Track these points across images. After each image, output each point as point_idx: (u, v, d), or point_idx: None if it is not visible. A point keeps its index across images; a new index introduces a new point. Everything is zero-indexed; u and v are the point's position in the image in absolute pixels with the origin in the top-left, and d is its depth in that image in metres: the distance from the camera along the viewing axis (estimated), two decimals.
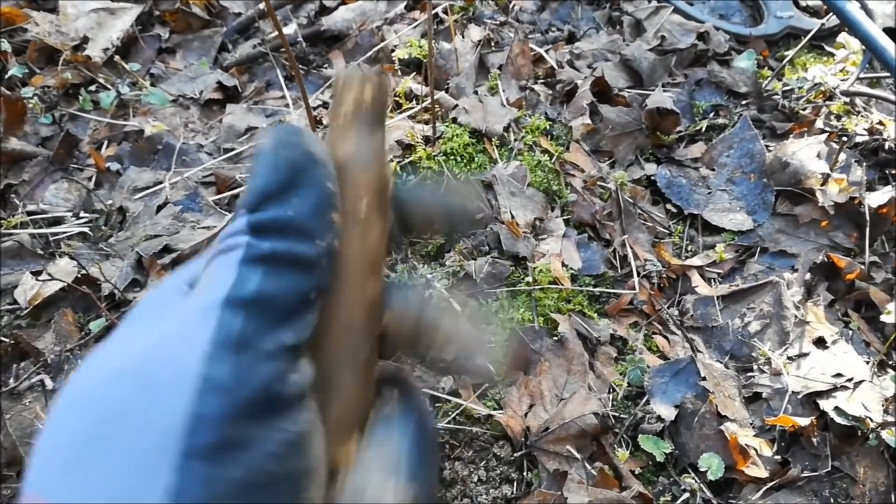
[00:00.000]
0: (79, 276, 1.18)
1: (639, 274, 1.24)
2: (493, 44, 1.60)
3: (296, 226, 0.27)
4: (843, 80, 1.47)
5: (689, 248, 1.32)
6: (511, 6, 1.73)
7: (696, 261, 1.28)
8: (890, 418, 1.03)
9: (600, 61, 1.58)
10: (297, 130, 0.29)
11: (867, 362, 1.12)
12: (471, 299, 1.16)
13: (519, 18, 1.72)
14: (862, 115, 1.46)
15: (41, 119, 1.47)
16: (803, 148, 1.36)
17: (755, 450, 1.03)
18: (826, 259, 1.24)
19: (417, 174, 1.31)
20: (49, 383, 1.07)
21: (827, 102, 1.47)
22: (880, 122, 1.44)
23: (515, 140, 1.39)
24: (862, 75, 1.46)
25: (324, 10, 1.75)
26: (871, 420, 1.02)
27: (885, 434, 1.01)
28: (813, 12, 1.71)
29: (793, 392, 1.08)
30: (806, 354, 1.13)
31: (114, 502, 0.21)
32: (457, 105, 1.43)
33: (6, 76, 1.50)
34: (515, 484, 1.02)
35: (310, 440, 0.25)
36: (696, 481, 1.02)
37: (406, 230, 0.35)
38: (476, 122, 1.39)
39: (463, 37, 1.60)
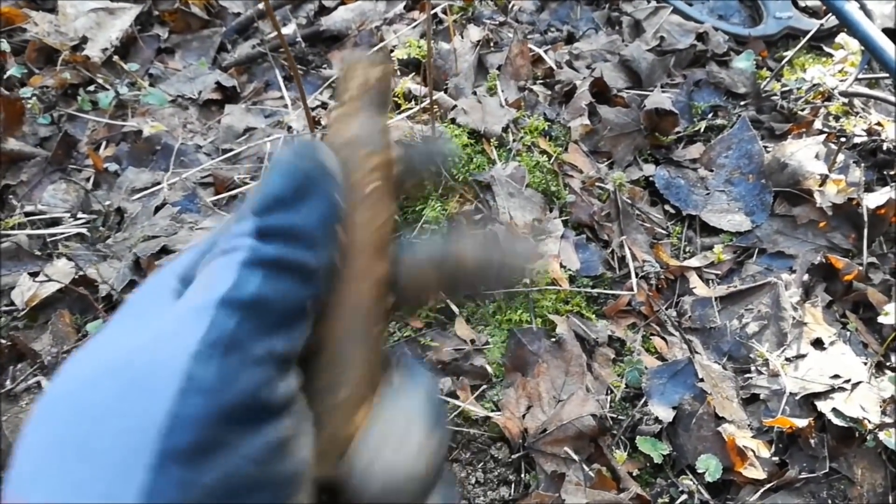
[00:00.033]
0: (76, 277, 1.18)
1: (637, 275, 1.24)
2: (491, 44, 1.60)
3: (302, 234, 0.27)
4: (841, 81, 1.47)
5: (688, 249, 1.32)
6: (510, 6, 1.73)
7: (694, 262, 1.28)
8: (887, 419, 1.03)
9: (599, 62, 1.58)
10: (314, 145, 0.29)
11: (865, 363, 1.12)
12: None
13: (518, 19, 1.72)
14: (860, 116, 1.46)
15: (39, 119, 1.47)
16: (802, 149, 1.36)
17: (753, 451, 1.03)
18: (824, 260, 1.24)
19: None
20: (45, 385, 1.07)
21: (825, 103, 1.47)
22: (879, 123, 1.44)
23: (514, 141, 1.39)
24: (860, 76, 1.46)
25: (323, 11, 1.75)
26: (869, 421, 1.02)
27: (882, 435, 1.01)
28: (812, 13, 1.71)
29: (790, 393, 1.08)
30: (804, 356, 1.13)
31: (89, 502, 0.21)
32: (455, 105, 1.43)
33: (5, 76, 1.50)
34: (513, 486, 1.02)
35: (295, 444, 0.25)
36: (693, 483, 1.02)
37: (403, 299, 0.33)
38: (475, 122, 1.39)
39: (462, 37, 1.60)
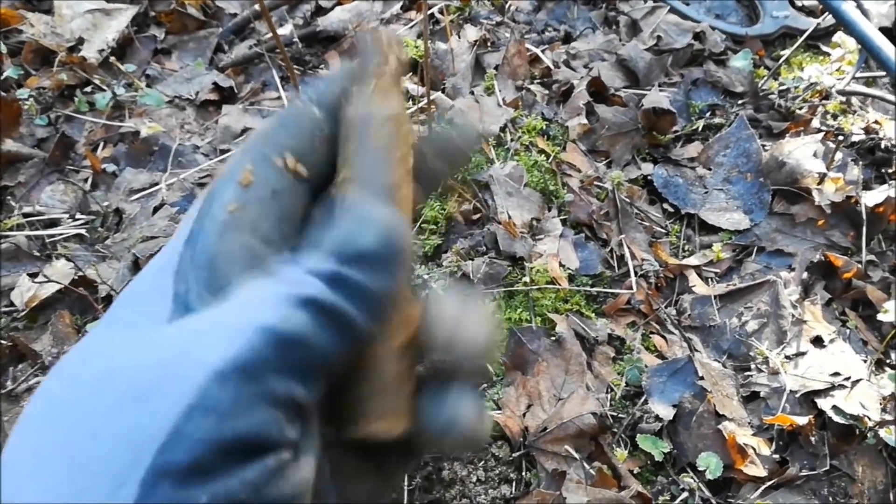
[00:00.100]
0: (75, 277, 1.18)
1: (636, 273, 1.24)
2: (489, 44, 1.60)
3: (368, 298, 0.26)
4: (839, 80, 1.47)
5: (686, 247, 1.32)
6: (507, 6, 1.73)
7: (693, 260, 1.28)
8: (888, 417, 1.03)
9: (596, 61, 1.58)
10: (398, 219, 0.29)
11: (865, 361, 1.12)
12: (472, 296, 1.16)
13: (515, 18, 1.72)
14: (858, 115, 1.47)
15: (37, 120, 1.47)
16: (800, 147, 1.36)
17: (753, 449, 1.03)
18: (823, 258, 1.24)
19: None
20: (41, 383, 1.07)
21: (823, 102, 1.47)
22: (876, 122, 1.44)
23: (512, 140, 1.40)
24: (858, 74, 1.46)
25: (320, 11, 1.75)
26: (869, 419, 1.02)
27: (882, 433, 1.01)
28: (809, 12, 1.71)
29: (791, 391, 1.08)
30: (803, 353, 1.13)
31: None
32: (453, 105, 1.43)
33: (2, 77, 1.50)
34: (514, 484, 1.02)
35: (296, 467, 0.24)
36: (694, 480, 1.02)
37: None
38: (473, 122, 1.39)
39: (459, 37, 1.60)
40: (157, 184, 1.37)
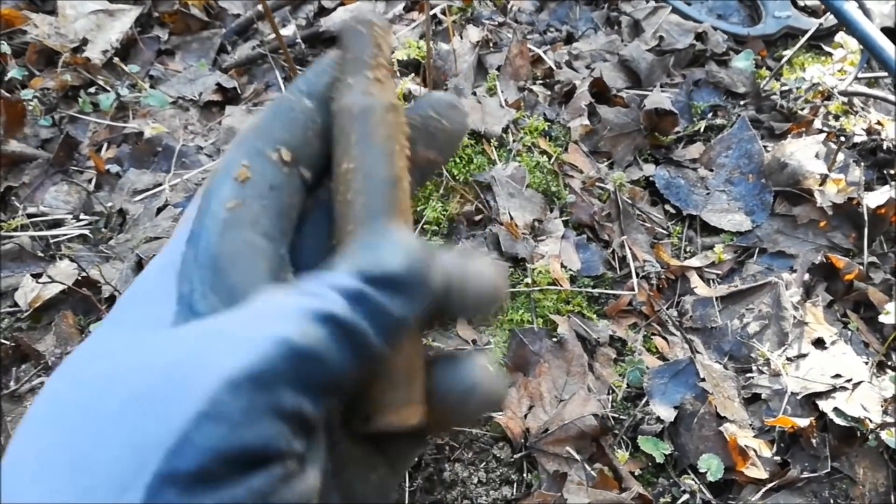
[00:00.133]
0: (79, 278, 1.18)
1: (638, 275, 1.24)
2: (491, 45, 1.60)
3: (388, 322, 0.26)
4: (841, 80, 1.47)
5: (688, 248, 1.32)
6: (509, 7, 1.73)
7: (694, 262, 1.28)
8: (889, 419, 1.03)
9: (598, 62, 1.58)
10: (428, 249, 0.29)
11: (866, 363, 1.12)
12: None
13: (517, 19, 1.72)
14: (860, 115, 1.47)
15: (41, 121, 1.47)
16: (801, 148, 1.36)
17: (755, 451, 1.03)
18: (825, 259, 1.24)
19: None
20: (45, 384, 1.07)
21: (825, 102, 1.47)
22: (878, 122, 1.44)
23: (514, 141, 1.40)
24: (860, 75, 1.46)
25: (322, 12, 1.75)
26: (871, 421, 1.03)
27: (884, 435, 1.01)
28: (811, 12, 1.71)
29: (792, 393, 1.08)
30: (805, 355, 1.14)
31: None
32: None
33: (6, 78, 1.50)
34: (515, 485, 1.03)
35: (302, 478, 0.24)
36: (695, 482, 1.02)
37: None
38: (475, 123, 1.39)
39: (461, 38, 1.60)
40: (160, 184, 1.38)
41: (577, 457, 1.02)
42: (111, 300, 1.18)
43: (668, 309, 1.23)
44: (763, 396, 1.09)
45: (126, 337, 0.26)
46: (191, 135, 1.50)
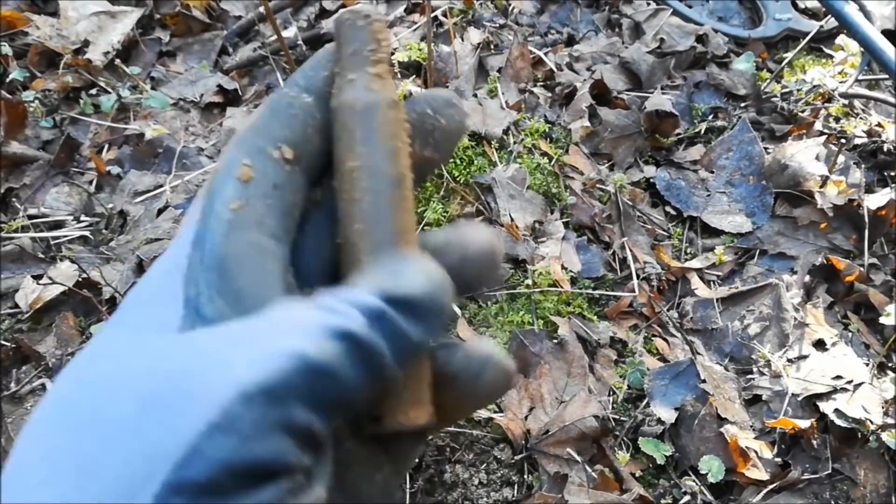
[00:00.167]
0: (80, 279, 1.19)
1: (638, 276, 1.24)
2: (492, 46, 1.60)
3: (404, 345, 0.26)
4: (841, 83, 1.47)
5: (689, 250, 1.32)
6: (510, 9, 1.73)
7: (695, 263, 1.28)
8: (890, 420, 1.03)
9: (599, 64, 1.58)
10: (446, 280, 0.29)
11: (867, 364, 1.12)
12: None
13: (518, 21, 1.72)
14: (861, 118, 1.47)
15: (42, 123, 1.47)
16: (802, 150, 1.36)
17: (755, 452, 1.03)
18: (825, 261, 1.24)
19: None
20: (50, 387, 1.08)
21: (826, 104, 1.47)
22: (879, 124, 1.44)
23: (515, 143, 1.40)
24: (860, 77, 1.46)
25: (324, 14, 1.76)
26: (871, 422, 1.03)
27: (885, 436, 1.01)
28: (811, 14, 1.71)
29: (793, 394, 1.08)
30: (805, 356, 1.13)
31: None
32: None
33: (7, 80, 1.50)
34: (516, 487, 1.03)
35: (309, 492, 0.24)
36: (696, 484, 1.02)
37: None
38: (475, 124, 1.39)
39: (462, 40, 1.60)
40: (161, 186, 1.38)
41: (578, 458, 1.02)
42: (112, 301, 1.18)
43: (668, 310, 1.23)
44: (764, 398, 1.09)
45: (132, 340, 0.26)
46: (192, 136, 1.50)
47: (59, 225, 1.32)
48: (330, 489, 0.26)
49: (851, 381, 1.08)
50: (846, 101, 1.46)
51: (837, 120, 1.47)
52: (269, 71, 1.63)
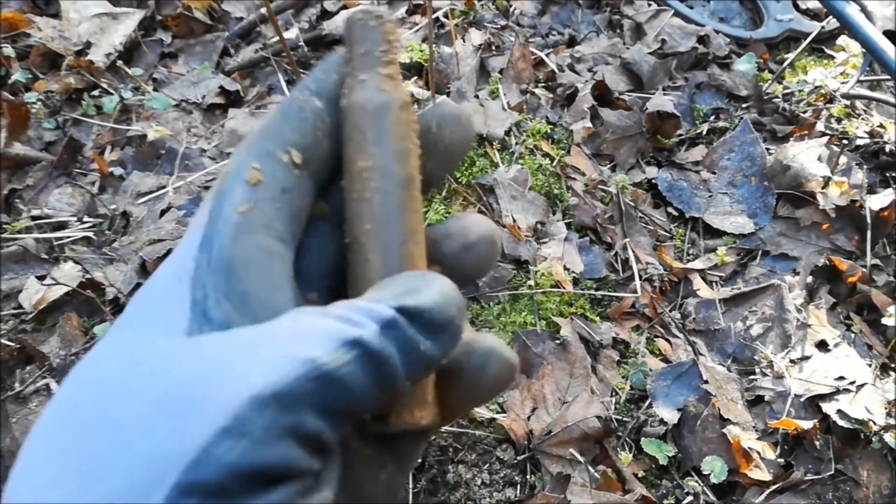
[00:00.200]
0: (83, 280, 1.19)
1: (640, 277, 1.24)
2: (493, 48, 1.61)
3: (416, 356, 0.26)
4: (843, 83, 1.47)
5: (691, 251, 1.33)
6: (511, 10, 1.73)
7: (697, 264, 1.29)
8: (892, 421, 1.03)
9: (601, 65, 1.59)
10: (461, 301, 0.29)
11: (869, 365, 1.12)
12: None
13: (519, 22, 1.72)
14: (862, 118, 1.47)
15: (45, 124, 1.47)
16: (804, 151, 1.36)
17: (758, 453, 1.03)
18: (827, 262, 1.24)
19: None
20: (54, 387, 1.08)
21: (827, 105, 1.47)
22: (881, 125, 1.44)
23: (516, 144, 1.40)
24: (862, 78, 1.47)
25: (325, 15, 1.76)
26: (874, 423, 1.03)
27: (887, 437, 1.01)
28: (813, 15, 1.71)
29: (795, 395, 1.08)
30: (808, 357, 1.14)
31: None
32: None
33: (10, 81, 1.51)
34: (519, 487, 1.03)
35: (318, 495, 0.24)
36: (699, 484, 1.02)
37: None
38: (477, 125, 1.39)
39: (464, 41, 1.60)
40: (164, 187, 1.38)
41: (581, 459, 1.02)
42: (115, 302, 1.18)
43: (671, 311, 1.23)
44: (766, 398, 1.09)
45: (139, 342, 0.26)
46: (194, 137, 1.50)
47: (62, 226, 1.32)
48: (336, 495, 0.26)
49: (854, 382, 1.08)
50: (848, 102, 1.47)
51: (839, 121, 1.47)
52: (270, 72, 1.64)
